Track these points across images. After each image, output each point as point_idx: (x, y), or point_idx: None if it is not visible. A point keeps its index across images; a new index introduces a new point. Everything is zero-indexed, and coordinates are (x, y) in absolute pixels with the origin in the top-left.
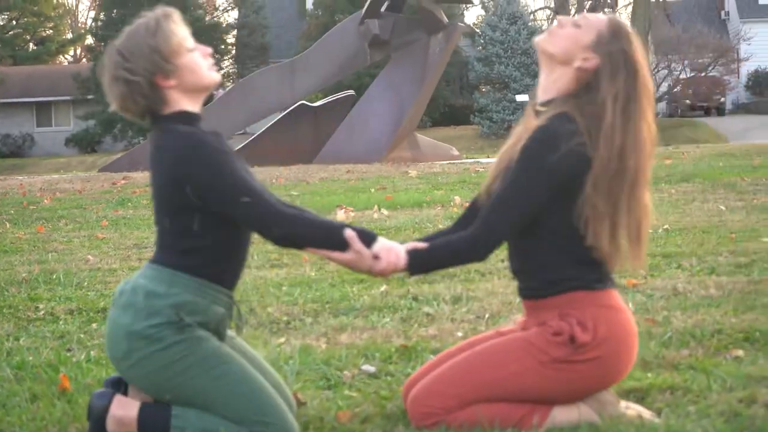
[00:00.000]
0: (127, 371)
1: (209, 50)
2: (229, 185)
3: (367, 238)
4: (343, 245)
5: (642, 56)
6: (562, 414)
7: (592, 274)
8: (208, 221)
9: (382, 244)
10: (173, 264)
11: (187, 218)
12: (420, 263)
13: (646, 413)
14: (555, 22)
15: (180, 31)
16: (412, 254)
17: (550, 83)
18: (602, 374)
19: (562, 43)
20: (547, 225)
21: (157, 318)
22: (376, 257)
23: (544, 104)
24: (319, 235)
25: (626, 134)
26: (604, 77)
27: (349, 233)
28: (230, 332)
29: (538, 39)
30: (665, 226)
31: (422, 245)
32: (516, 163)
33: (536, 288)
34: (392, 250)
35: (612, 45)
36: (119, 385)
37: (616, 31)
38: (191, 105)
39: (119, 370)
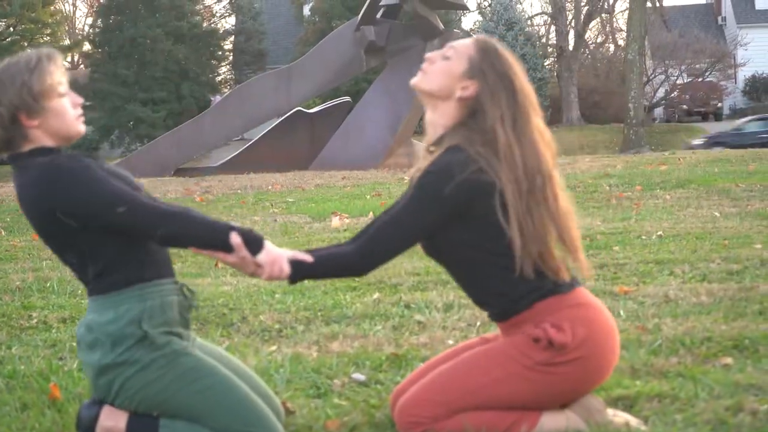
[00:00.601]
0: (115, 402)
1: (81, 100)
2: (98, 200)
3: (254, 245)
4: (228, 247)
5: (515, 66)
6: (550, 422)
7: (549, 281)
8: (100, 238)
9: (267, 253)
10: (104, 288)
11: (81, 245)
12: (302, 275)
13: (633, 421)
14: (425, 61)
15: (57, 74)
16: (295, 266)
17: (437, 119)
18: (588, 373)
19: (438, 79)
20: (484, 256)
21: (123, 343)
22: (258, 266)
23: (435, 143)
24: (204, 235)
25: (524, 149)
26: (487, 100)
27: (236, 240)
28: (219, 348)
29: (413, 81)
30: (659, 233)
31: (307, 258)
32: (411, 191)
33: (501, 312)
34: (276, 263)
35: (485, 66)
36: None
37: (484, 52)
38: (52, 145)
39: (111, 404)
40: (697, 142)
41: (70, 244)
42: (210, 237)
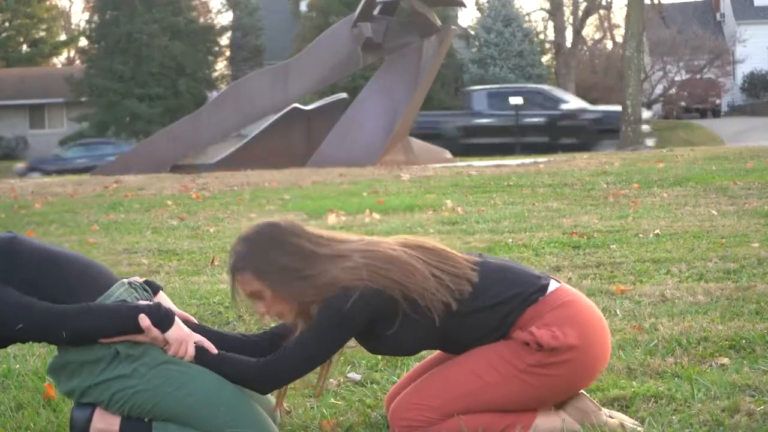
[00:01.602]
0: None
1: None
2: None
3: (164, 323)
4: (138, 330)
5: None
6: (545, 423)
7: (513, 297)
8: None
9: (176, 330)
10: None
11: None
12: (204, 364)
13: (629, 422)
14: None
15: None
16: (200, 354)
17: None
18: (582, 369)
19: (267, 310)
20: (446, 331)
21: (99, 364)
22: (167, 343)
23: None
24: (112, 324)
25: (315, 282)
26: (278, 284)
27: (145, 322)
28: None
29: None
30: (656, 231)
31: (213, 350)
32: (316, 317)
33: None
34: (183, 344)
35: (256, 264)
36: None
37: (247, 252)
38: None
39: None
40: (18, 167)
41: None
42: (118, 324)
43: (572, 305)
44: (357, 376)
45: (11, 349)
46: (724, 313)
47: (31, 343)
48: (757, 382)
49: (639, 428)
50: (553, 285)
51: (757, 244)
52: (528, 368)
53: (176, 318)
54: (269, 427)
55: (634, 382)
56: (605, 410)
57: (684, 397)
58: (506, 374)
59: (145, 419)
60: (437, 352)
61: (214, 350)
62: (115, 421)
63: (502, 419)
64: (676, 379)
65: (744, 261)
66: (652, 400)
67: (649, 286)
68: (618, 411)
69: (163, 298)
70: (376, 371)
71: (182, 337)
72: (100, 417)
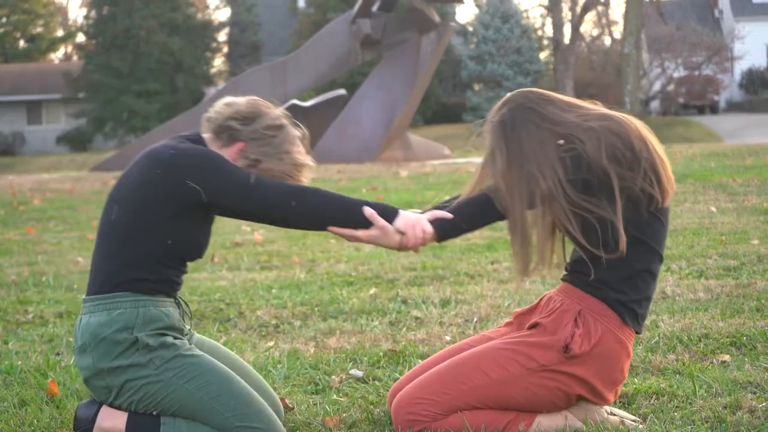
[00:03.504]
0: (114, 402)
1: None
2: (237, 175)
3: (389, 214)
4: (364, 221)
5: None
6: (547, 420)
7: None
8: (180, 231)
9: (405, 218)
10: (108, 286)
11: (156, 231)
12: (447, 232)
13: (630, 419)
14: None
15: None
16: (437, 224)
17: None
18: (587, 389)
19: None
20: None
21: (116, 349)
22: (401, 233)
23: None
24: (340, 210)
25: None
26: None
27: (368, 210)
28: (217, 343)
29: None
30: None
31: (445, 214)
32: None
33: (581, 282)
34: (417, 225)
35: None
36: None
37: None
38: None
39: (110, 404)
40: None
41: (149, 224)
42: (345, 212)
43: (622, 349)
44: (359, 373)
45: (13, 345)
46: (724, 310)
47: (34, 339)
48: (759, 379)
49: (640, 425)
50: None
51: (756, 241)
52: (540, 370)
53: (400, 210)
54: (276, 423)
55: (635, 379)
56: (607, 407)
57: (685, 394)
58: (515, 373)
59: (153, 413)
60: (444, 349)
61: (447, 214)
62: (121, 420)
63: (505, 416)
64: (677, 376)
65: (744, 258)
66: (654, 396)
67: None
68: (620, 408)
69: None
70: (379, 368)
71: (414, 221)
72: (105, 415)
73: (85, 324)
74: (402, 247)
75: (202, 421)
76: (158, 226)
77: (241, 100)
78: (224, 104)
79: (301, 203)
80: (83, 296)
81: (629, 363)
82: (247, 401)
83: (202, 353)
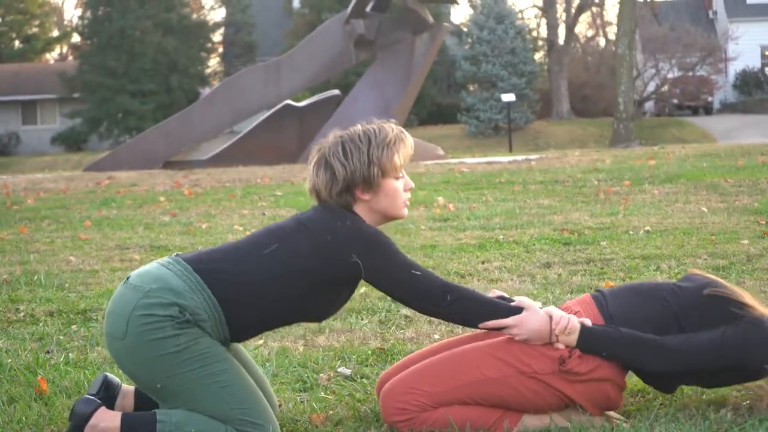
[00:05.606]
0: (118, 352)
1: (412, 185)
2: (399, 260)
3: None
4: (511, 310)
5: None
6: (532, 419)
7: None
8: (301, 301)
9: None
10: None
11: (283, 296)
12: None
13: (615, 416)
14: None
15: (404, 155)
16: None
17: None
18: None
19: None
20: None
21: (161, 310)
22: (549, 315)
23: None
24: (486, 308)
25: None
26: None
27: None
28: None
29: None
30: (646, 228)
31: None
32: None
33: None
34: (562, 315)
35: None
36: (109, 389)
37: None
38: (370, 221)
39: (111, 349)
40: None
41: (279, 290)
42: (491, 310)
43: (613, 386)
44: (347, 371)
45: (2, 343)
46: None
47: (25, 338)
48: None
49: (625, 423)
50: None
51: (746, 241)
52: (533, 374)
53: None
54: (276, 423)
55: None
56: None
57: None
58: (508, 374)
59: (156, 386)
60: (431, 345)
61: (588, 322)
62: (116, 419)
63: (491, 414)
64: None
65: (733, 258)
66: (639, 394)
67: (638, 282)
68: None
69: None
70: (367, 366)
71: (558, 314)
72: (101, 416)
73: (168, 276)
74: (552, 334)
75: (204, 408)
76: (299, 285)
77: None
78: None
79: (455, 300)
80: (174, 255)
81: (622, 393)
82: (253, 397)
83: (216, 343)
